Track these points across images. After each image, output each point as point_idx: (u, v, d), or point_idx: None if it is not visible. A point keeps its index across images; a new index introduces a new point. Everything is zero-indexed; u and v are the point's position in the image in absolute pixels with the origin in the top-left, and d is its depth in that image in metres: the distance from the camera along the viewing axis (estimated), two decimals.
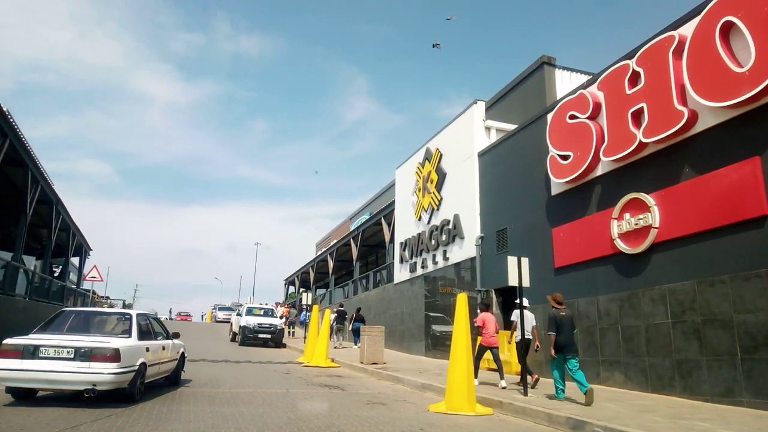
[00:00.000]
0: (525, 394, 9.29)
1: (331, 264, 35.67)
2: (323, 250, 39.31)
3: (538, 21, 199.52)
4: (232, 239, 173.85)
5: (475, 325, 10.97)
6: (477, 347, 10.84)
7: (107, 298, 61.18)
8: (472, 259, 16.44)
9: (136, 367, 7.84)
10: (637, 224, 10.45)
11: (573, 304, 12.16)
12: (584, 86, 12.38)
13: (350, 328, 22.94)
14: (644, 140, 10.27)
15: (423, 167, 20.46)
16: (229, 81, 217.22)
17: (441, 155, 19.07)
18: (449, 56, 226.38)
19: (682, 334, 9.50)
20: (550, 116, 13.30)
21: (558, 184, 12.84)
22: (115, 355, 7.43)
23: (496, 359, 11.24)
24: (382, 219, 26.31)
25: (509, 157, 15.37)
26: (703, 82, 9.12)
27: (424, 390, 10.95)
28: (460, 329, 8.70)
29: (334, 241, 36.19)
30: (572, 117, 12.36)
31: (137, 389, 7.96)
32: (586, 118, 11.90)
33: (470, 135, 17.16)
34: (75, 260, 32.44)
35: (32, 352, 7.40)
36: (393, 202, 24.50)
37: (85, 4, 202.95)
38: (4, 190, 18.48)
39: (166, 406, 7.81)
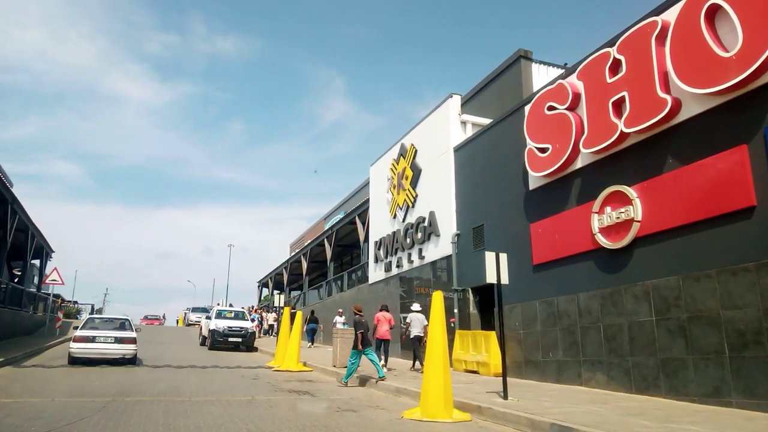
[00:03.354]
0: (505, 397, 8.78)
1: (305, 265, 34.88)
2: (297, 250, 38.48)
3: (517, 19, 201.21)
4: (207, 242, 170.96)
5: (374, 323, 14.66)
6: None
7: (75, 302, 59.43)
8: (449, 258, 15.93)
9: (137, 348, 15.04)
10: (618, 218, 10.04)
11: (552, 302, 11.74)
12: (563, 76, 11.97)
13: (304, 329, 22.40)
14: (626, 130, 9.87)
15: (398, 164, 19.91)
16: (205, 82, 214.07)
17: (416, 151, 18.55)
18: (427, 57, 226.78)
19: (666, 332, 9.10)
20: (527, 108, 12.86)
21: (536, 178, 12.40)
22: (134, 340, 15.00)
23: (386, 351, 14.37)
24: (357, 218, 25.68)
25: (486, 151, 14.91)
26: (688, 69, 8.73)
27: (398, 395, 10.37)
28: (436, 329, 8.15)
29: (308, 242, 35.43)
30: (551, 108, 11.93)
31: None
32: (565, 108, 11.47)
33: (446, 130, 16.66)
34: (35, 263, 31.06)
35: (92, 339, 14.54)
36: (368, 200, 23.90)
37: (58, 3, 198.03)
38: None
39: (114, 419, 7.08)
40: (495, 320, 13.73)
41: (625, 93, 9.95)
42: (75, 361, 14.35)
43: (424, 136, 18.21)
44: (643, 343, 9.52)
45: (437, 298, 8.31)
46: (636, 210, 9.70)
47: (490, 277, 9.19)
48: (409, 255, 18.45)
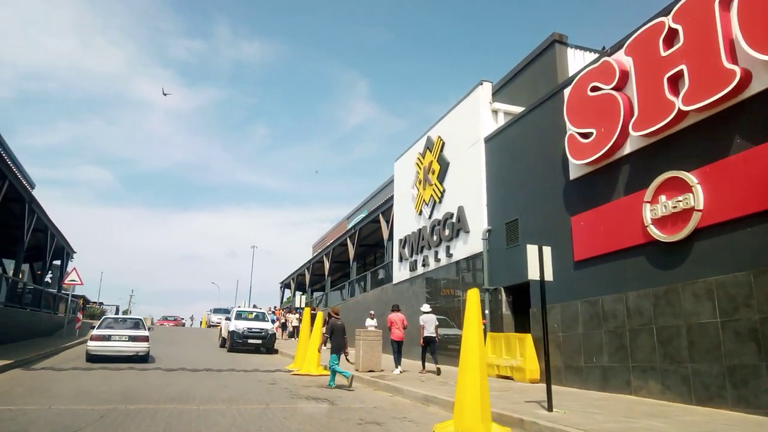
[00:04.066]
0: (549, 409, 7.75)
1: (327, 265, 34.09)
2: (319, 251, 37.71)
3: (543, 17, 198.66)
4: (231, 244, 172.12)
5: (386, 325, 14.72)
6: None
7: (100, 303, 59.79)
8: (479, 255, 14.89)
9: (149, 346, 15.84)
10: (675, 207, 8.92)
11: (596, 302, 10.64)
12: (608, 53, 10.87)
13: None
14: (684, 108, 8.74)
15: (424, 158, 18.92)
16: (231, 86, 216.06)
17: (443, 143, 17.54)
18: (449, 58, 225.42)
19: (734, 335, 7.96)
20: (567, 91, 11.78)
21: (578, 167, 11.32)
22: (147, 339, 15.73)
23: (399, 352, 14.21)
24: (380, 216, 24.74)
25: (520, 140, 13.86)
26: (760, 34, 7.60)
27: (426, 403, 9.40)
28: (472, 332, 7.15)
29: (331, 242, 34.62)
30: (595, 89, 10.85)
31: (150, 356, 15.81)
32: (612, 88, 10.37)
33: (475, 119, 15.63)
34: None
35: (108, 338, 15.23)
36: (391, 198, 22.96)
37: (88, 12, 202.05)
38: None
39: (112, 429, 6.27)
40: (530, 322, 12.69)
41: (683, 66, 8.83)
42: (92, 358, 15.07)
43: (452, 127, 17.20)
44: (705, 348, 8.39)
45: (473, 296, 7.31)
46: (696, 198, 8.57)
47: (533, 274, 8.17)
48: (436, 253, 17.44)
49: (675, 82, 9.07)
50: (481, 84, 15.62)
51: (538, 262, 8.10)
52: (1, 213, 21.44)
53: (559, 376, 11.46)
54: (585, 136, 11.00)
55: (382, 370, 13.91)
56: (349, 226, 31.80)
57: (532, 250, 8.27)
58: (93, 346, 15.05)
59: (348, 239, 29.62)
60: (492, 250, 14.44)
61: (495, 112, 15.55)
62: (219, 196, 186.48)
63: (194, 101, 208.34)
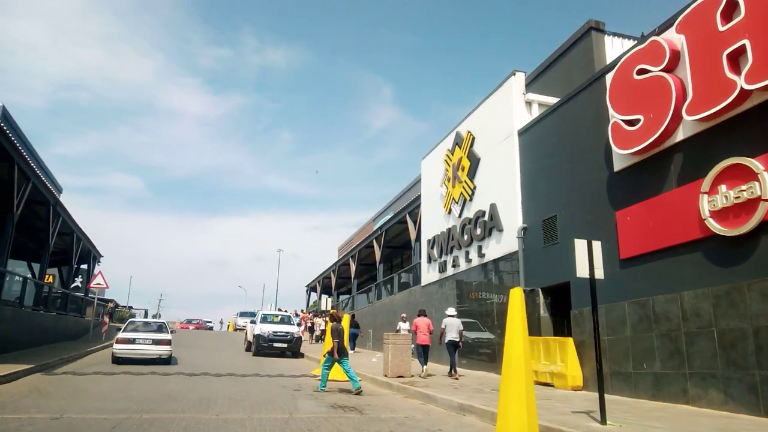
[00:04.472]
0: (603, 421, 6.96)
1: (353, 267, 33.51)
2: (345, 253, 37.16)
3: (569, 17, 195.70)
4: (258, 249, 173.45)
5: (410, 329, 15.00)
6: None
7: (129, 307, 60.38)
8: (514, 255, 14.08)
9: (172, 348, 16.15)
10: (738, 198, 8.04)
11: (646, 303, 9.76)
12: (656, 33, 10.01)
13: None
14: (747, 87, 7.88)
15: (453, 154, 18.18)
16: (256, 93, 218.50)
17: (473, 138, 16.78)
18: (473, 61, 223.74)
19: None
20: (610, 76, 10.95)
21: (623, 157, 10.47)
22: (169, 342, 15.98)
23: (426, 356, 13.89)
24: (407, 216, 24.04)
25: (557, 132, 13.04)
26: None
27: (462, 413, 8.67)
28: (515, 335, 6.42)
29: (357, 243, 34.03)
30: (641, 72, 10.00)
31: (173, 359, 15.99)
32: (661, 70, 9.52)
33: (508, 111, 14.85)
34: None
35: (133, 341, 15.53)
36: (419, 197, 22.25)
37: (117, 23, 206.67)
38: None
39: None
40: (571, 324, 11.86)
41: (745, 41, 7.97)
42: (117, 360, 15.51)
43: (482, 121, 16.43)
44: None
45: (516, 295, 6.56)
46: (764, 186, 7.69)
47: (581, 271, 7.38)
48: (467, 253, 16.67)
49: (735, 59, 8.21)
50: (514, 74, 14.83)
51: (587, 259, 7.31)
52: (28, 217, 21.41)
53: (605, 383, 10.58)
54: (631, 123, 10.15)
55: (411, 376, 13.21)
56: (375, 227, 31.15)
57: (580, 245, 7.49)
58: (118, 349, 15.58)
59: (374, 241, 28.99)
60: (528, 249, 13.62)
61: (529, 103, 14.74)
62: (246, 201, 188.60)
63: (221, 108, 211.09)
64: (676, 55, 9.34)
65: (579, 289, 11.65)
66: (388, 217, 28.56)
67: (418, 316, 14.76)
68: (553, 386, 11.55)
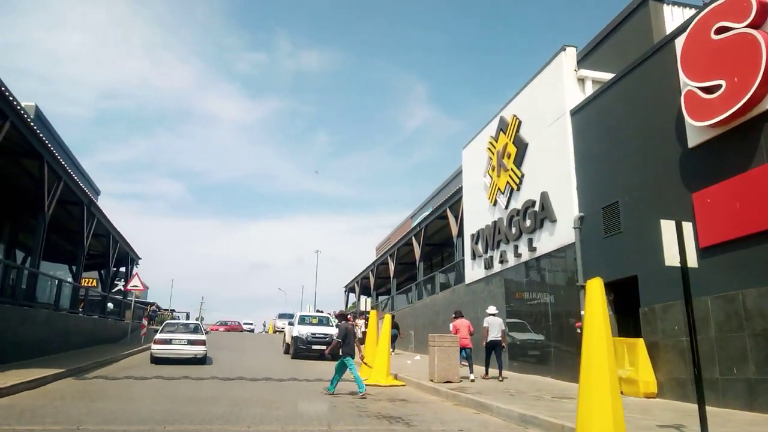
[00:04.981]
0: None
1: (392, 267, 32.54)
2: (383, 252, 36.24)
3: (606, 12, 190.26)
4: (297, 251, 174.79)
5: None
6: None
7: (172, 310, 61.15)
8: (569, 247, 12.85)
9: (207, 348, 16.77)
10: None
11: (734, 298, 8.45)
12: None
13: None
14: None
15: (497, 141, 17.01)
16: (292, 97, 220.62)
17: (519, 123, 15.59)
18: (504, 57, 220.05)
19: None
20: (680, 41, 9.67)
21: (699, 130, 9.18)
22: (204, 342, 16.58)
23: (469, 359, 13.26)
24: (448, 210, 22.90)
25: (617, 109, 11.77)
26: None
27: (525, 425, 7.59)
28: (597, 334, 5.33)
29: (395, 242, 33.04)
30: (721, 31, 8.71)
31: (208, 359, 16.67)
32: (747, 26, 8.23)
33: (559, 90, 13.61)
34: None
35: (170, 342, 16.14)
36: (459, 190, 21.12)
37: (158, 32, 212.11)
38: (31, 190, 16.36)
39: None
40: (640, 323, 10.60)
41: None
42: (156, 360, 16.19)
43: (529, 103, 15.22)
44: None
45: (595, 287, 5.47)
46: None
47: (671, 259, 6.23)
48: (516, 247, 15.47)
49: None
50: (564, 50, 13.57)
51: (676, 243, 6.13)
52: (65, 219, 21.26)
53: (683, 390, 9.34)
54: (709, 90, 8.86)
55: (460, 381, 12.15)
56: (414, 224, 30.12)
57: (668, 227, 6.34)
58: (156, 349, 16.28)
59: (413, 238, 27.96)
60: (586, 240, 12.37)
61: (581, 80, 13.47)
62: (284, 204, 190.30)
63: (258, 113, 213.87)
64: (764, 8, 8.04)
65: (649, 284, 10.40)
66: (427, 212, 27.49)
67: (455, 317, 14.18)
68: (622, 393, 10.29)
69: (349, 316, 36.76)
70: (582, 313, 12.00)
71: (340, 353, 10.73)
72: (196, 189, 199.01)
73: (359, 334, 28.11)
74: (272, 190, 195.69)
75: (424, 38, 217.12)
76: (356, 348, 10.88)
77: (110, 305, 25.67)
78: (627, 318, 11.47)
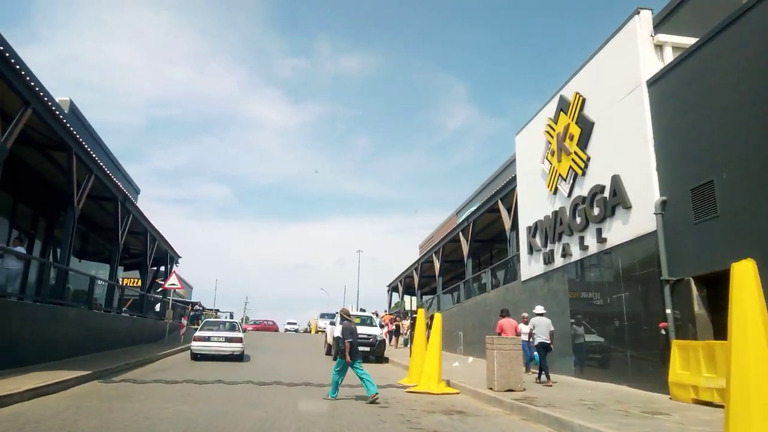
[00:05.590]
0: None
1: (437, 264, 31.09)
2: (428, 249, 34.79)
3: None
4: (339, 252, 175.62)
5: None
6: None
7: (216, 310, 61.49)
8: (650, 236, 11.16)
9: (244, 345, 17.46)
10: None
11: None
12: None
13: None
14: None
15: (556, 123, 15.38)
16: (332, 101, 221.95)
17: (583, 100, 13.94)
18: (544, 53, 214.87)
19: None
20: None
21: None
22: (241, 340, 17.26)
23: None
24: (500, 202, 21.27)
25: (706, 76, 10.07)
26: None
27: None
28: (753, 332, 3.84)
29: (439, 239, 31.56)
30: None
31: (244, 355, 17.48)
32: None
33: (633, 59, 11.93)
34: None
35: (208, 339, 16.89)
36: (512, 180, 19.53)
37: (202, 41, 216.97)
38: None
39: None
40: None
41: None
42: (195, 357, 16.90)
43: (595, 77, 13.56)
44: None
45: (746, 270, 3.97)
46: None
47: None
48: (581, 239, 13.81)
49: None
50: (638, 13, 11.88)
51: None
52: (100, 216, 20.76)
53: None
54: None
55: (524, 390, 10.64)
56: (460, 220, 28.57)
57: None
58: (196, 346, 16.91)
59: (460, 233, 26.42)
60: (671, 227, 10.67)
61: (659, 46, 11.76)
62: (325, 206, 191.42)
63: (299, 117, 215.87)
64: None
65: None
66: (474, 207, 25.92)
67: (501, 317, 13.71)
68: (722, 407, 8.61)
69: (386, 315, 35.56)
70: (668, 311, 10.38)
71: (348, 356, 9.69)
72: (240, 192, 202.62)
73: (405, 335, 26.99)
74: (314, 193, 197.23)
75: (461, 36, 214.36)
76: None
77: (155, 305, 25.19)
78: (724, 317, 9.72)
